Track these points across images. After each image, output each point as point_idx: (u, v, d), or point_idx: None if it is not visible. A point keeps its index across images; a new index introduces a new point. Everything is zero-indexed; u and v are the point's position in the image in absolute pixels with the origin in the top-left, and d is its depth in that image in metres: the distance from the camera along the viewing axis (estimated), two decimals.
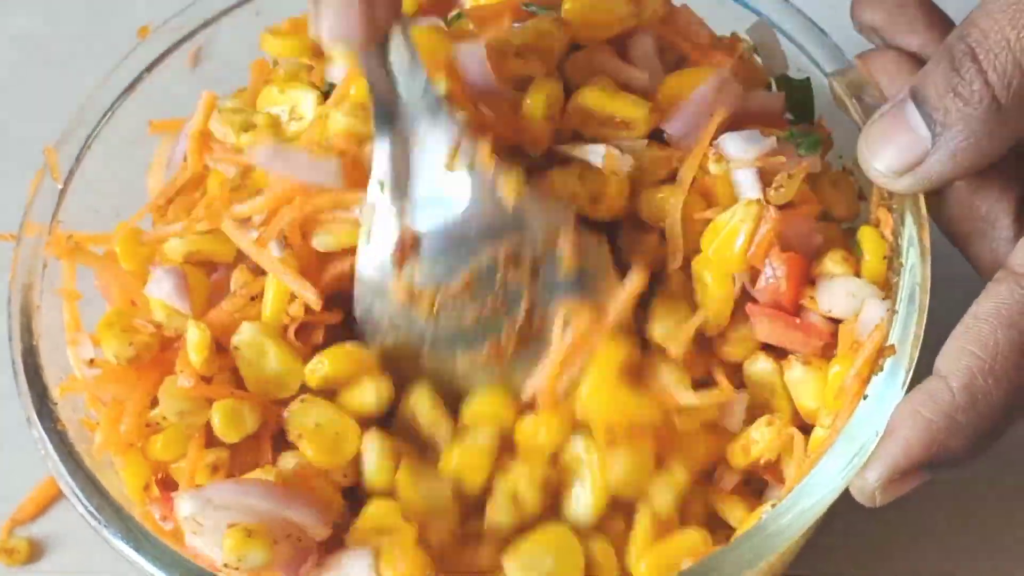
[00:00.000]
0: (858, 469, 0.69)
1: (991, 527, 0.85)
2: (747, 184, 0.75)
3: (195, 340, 0.72)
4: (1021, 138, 0.71)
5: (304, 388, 0.74)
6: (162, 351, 0.74)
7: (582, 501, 0.72)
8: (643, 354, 0.74)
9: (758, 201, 0.73)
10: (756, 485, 0.75)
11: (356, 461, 0.73)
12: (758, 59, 0.81)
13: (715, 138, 0.75)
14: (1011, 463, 0.86)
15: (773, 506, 0.69)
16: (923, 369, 0.70)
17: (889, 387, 0.70)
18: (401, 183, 0.72)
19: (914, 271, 0.72)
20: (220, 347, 0.73)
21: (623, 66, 0.78)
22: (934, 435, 0.68)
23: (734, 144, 0.75)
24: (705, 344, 0.75)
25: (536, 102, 0.75)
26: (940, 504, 0.84)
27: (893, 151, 0.71)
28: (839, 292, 0.74)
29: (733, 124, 0.76)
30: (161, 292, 0.74)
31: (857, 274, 0.74)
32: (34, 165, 0.80)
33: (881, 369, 0.70)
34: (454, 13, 0.81)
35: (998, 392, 0.68)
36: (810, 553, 0.80)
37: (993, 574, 0.84)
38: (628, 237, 0.76)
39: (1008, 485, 0.86)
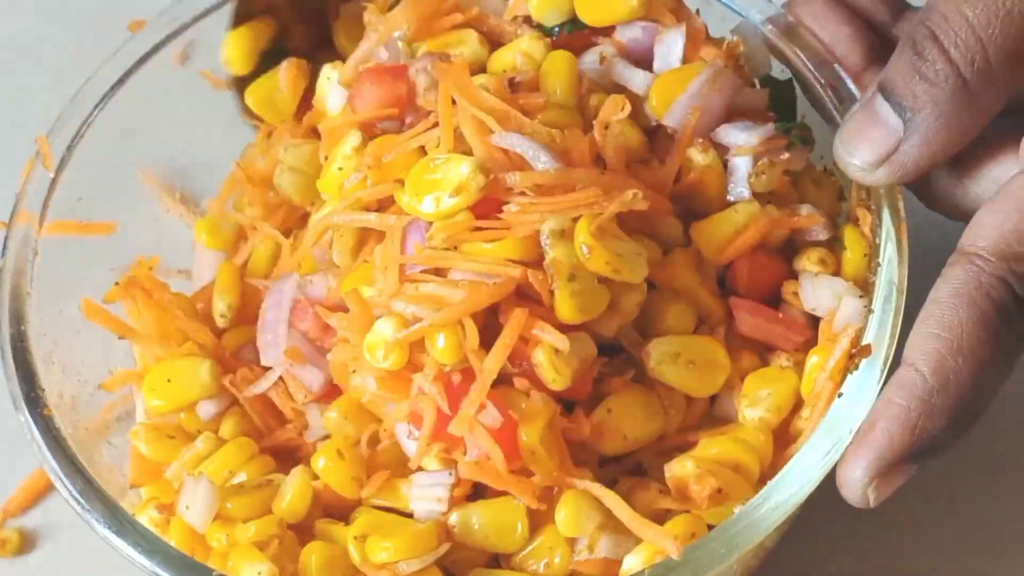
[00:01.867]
0: (833, 464, 0.69)
1: (974, 523, 0.85)
2: (743, 172, 0.75)
3: None
4: (991, 115, 0.71)
5: None
6: None
7: None
8: None
9: (757, 204, 0.75)
10: None
11: None
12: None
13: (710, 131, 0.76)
14: (995, 458, 0.86)
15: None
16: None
17: (865, 384, 0.70)
18: None
19: (891, 268, 0.72)
20: None
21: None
22: (913, 421, 0.68)
23: (733, 134, 0.76)
24: None
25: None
26: (922, 500, 0.85)
27: (867, 145, 0.72)
28: (824, 292, 0.74)
29: (724, 119, 0.77)
30: None
31: (836, 272, 0.75)
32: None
33: (856, 367, 0.70)
34: None
35: (968, 369, 0.68)
36: (787, 549, 0.81)
37: (974, 571, 0.84)
38: None
39: (991, 481, 0.86)
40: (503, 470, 0.68)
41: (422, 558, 0.69)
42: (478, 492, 0.72)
